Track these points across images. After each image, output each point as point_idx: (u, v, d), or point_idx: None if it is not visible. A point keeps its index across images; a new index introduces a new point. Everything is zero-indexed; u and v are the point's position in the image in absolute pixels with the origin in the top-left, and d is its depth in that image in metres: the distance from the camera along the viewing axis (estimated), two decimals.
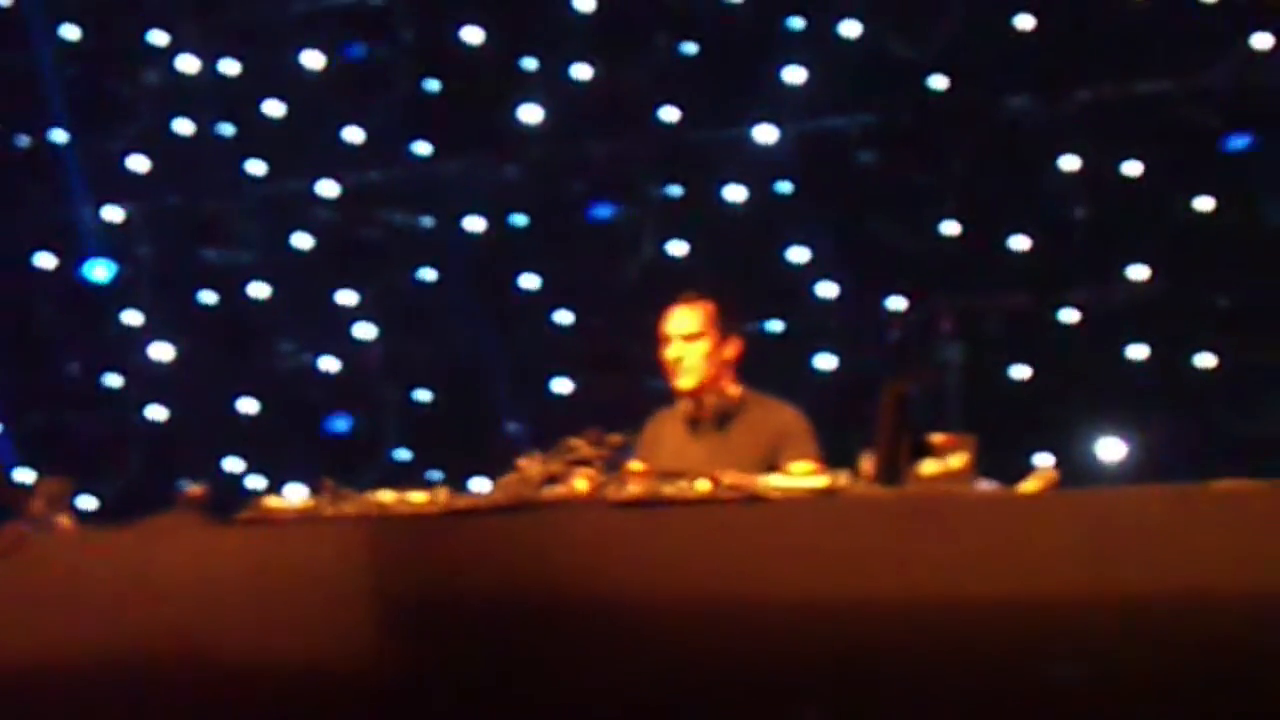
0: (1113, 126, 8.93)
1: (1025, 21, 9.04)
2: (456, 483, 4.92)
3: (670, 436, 5.71)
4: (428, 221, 10.17)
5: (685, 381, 5.69)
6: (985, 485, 4.14)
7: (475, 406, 9.84)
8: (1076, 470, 8.32)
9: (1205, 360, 8.68)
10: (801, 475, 4.29)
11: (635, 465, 4.59)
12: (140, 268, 10.65)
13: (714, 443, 5.59)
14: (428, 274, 10.12)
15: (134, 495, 9.72)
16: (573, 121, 9.87)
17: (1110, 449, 8.64)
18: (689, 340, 5.68)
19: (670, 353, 5.70)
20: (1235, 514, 3.67)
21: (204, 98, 10.51)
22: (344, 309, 10.28)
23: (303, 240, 10.38)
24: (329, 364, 10.27)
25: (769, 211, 9.45)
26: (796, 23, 9.54)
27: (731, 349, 5.74)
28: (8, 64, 10.67)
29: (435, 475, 9.28)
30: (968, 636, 3.71)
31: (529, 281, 9.92)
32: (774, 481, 4.19)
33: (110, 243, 10.62)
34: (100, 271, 10.54)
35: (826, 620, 3.85)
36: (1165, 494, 4.21)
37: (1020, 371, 8.94)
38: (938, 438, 4.12)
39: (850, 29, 9.43)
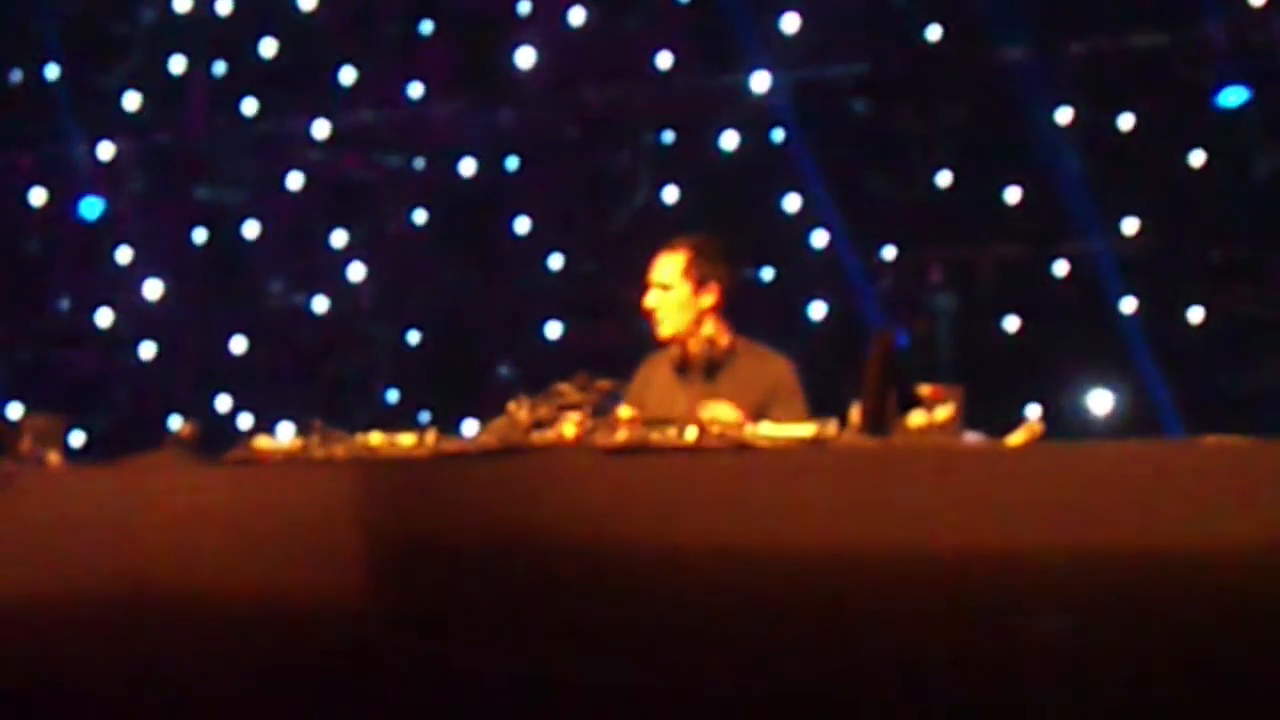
0: (1107, 79, 8.92)
1: None
2: (446, 425, 4.91)
3: (659, 382, 5.65)
4: (420, 163, 10.15)
5: (661, 330, 5.63)
6: (971, 437, 4.14)
7: (465, 349, 9.84)
8: (1066, 422, 8.35)
9: (1195, 314, 8.69)
10: (789, 424, 4.28)
11: (625, 410, 4.57)
12: (132, 205, 10.63)
13: (702, 391, 5.49)
14: (419, 216, 10.11)
15: (123, 432, 9.74)
16: (567, 66, 9.85)
17: (1100, 401, 8.66)
18: (664, 289, 5.61)
19: (647, 301, 5.65)
20: (1222, 470, 3.68)
21: (198, 36, 10.48)
22: (335, 249, 10.28)
23: (295, 180, 10.36)
24: (320, 304, 10.27)
25: (762, 159, 9.43)
26: None
27: (710, 297, 5.61)
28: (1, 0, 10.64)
29: (424, 417, 9.31)
30: (950, 588, 3.72)
31: (521, 225, 9.91)
32: (761, 430, 4.18)
33: (102, 179, 10.60)
34: (92, 207, 10.52)
35: (811, 568, 3.86)
36: (1151, 449, 4.22)
37: (1011, 323, 8.95)
38: (925, 389, 4.11)
39: None
